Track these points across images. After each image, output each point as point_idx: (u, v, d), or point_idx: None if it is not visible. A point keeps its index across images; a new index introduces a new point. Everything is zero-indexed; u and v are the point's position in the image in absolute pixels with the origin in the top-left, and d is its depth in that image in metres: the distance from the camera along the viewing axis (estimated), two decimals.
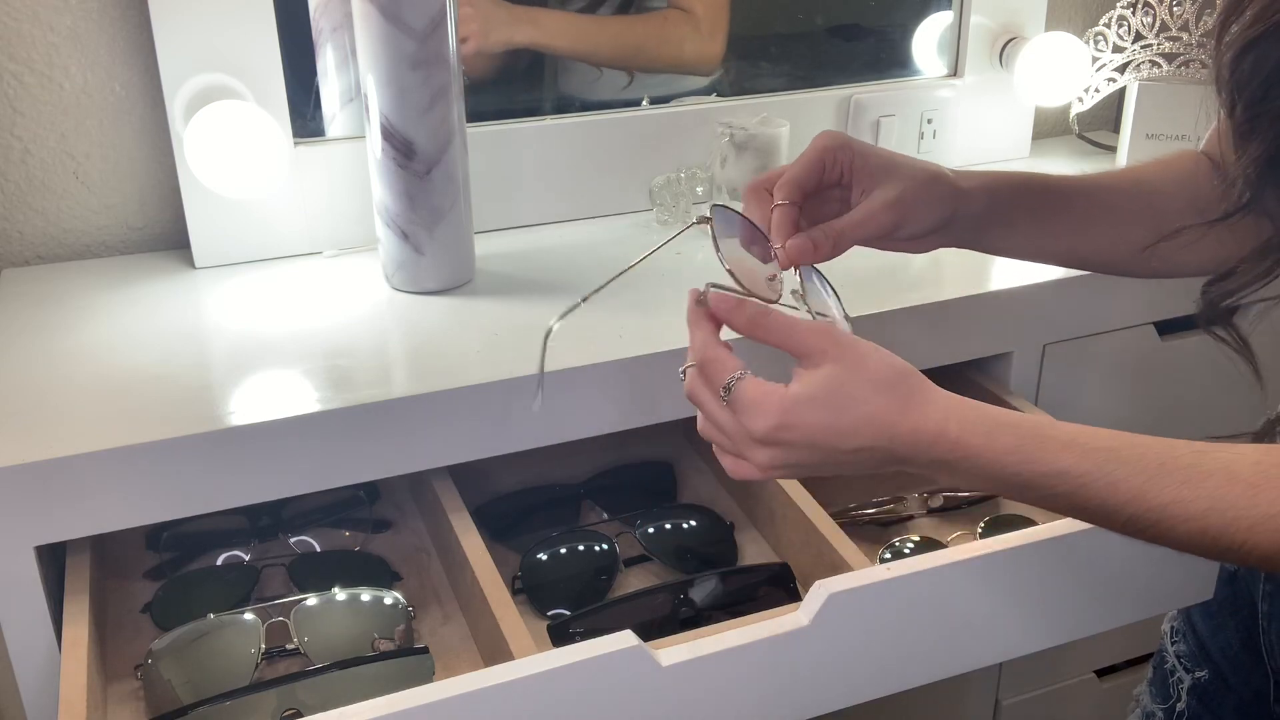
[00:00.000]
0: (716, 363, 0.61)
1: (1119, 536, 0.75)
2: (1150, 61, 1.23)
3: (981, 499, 0.94)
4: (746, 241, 0.69)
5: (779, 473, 0.61)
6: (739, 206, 0.71)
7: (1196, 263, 0.77)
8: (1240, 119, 0.66)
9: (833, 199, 0.73)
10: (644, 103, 1.18)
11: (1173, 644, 0.90)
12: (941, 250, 1.06)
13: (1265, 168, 0.66)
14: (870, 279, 0.98)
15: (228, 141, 0.93)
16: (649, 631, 0.66)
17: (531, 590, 0.84)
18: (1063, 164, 1.32)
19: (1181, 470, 0.54)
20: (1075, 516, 0.59)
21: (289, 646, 0.77)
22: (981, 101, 1.29)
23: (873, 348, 0.61)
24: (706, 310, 0.64)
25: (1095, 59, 1.26)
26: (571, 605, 0.82)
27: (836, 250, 0.69)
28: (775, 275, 0.68)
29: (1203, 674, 0.87)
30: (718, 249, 0.66)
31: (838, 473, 0.61)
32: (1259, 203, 0.68)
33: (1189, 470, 0.54)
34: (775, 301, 0.67)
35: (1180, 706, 0.88)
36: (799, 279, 0.69)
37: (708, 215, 0.67)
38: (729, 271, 0.66)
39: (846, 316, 0.72)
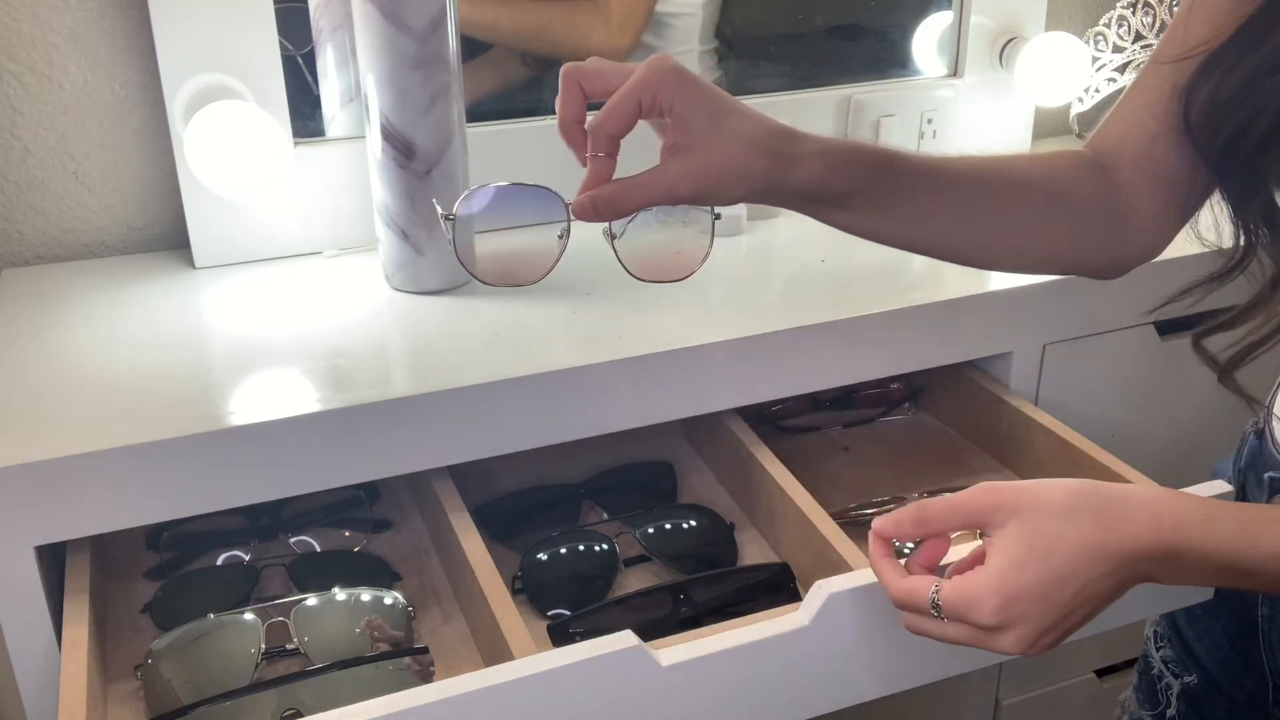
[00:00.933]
0: (912, 593, 0.60)
1: None
2: None
3: None
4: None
5: (1040, 646, 0.58)
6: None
7: (1035, 257, 0.74)
8: (1237, 177, 0.66)
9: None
10: None
11: (1158, 649, 0.89)
12: None
13: (1265, 216, 0.67)
14: (870, 279, 0.98)
15: (228, 141, 0.93)
16: (649, 631, 0.66)
17: (531, 590, 0.84)
18: None
19: None
20: None
21: (289, 646, 0.77)
22: (981, 101, 1.29)
23: (1040, 482, 0.59)
24: (880, 547, 0.63)
25: (1095, 59, 1.26)
26: (571, 605, 0.82)
27: (618, 215, 0.64)
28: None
29: (1191, 679, 0.86)
30: (464, 261, 0.66)
31: (1091, 613, 0.58)
32: (1256, 250, 0.69)
33: None
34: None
35: (1170, 713, 0.88)
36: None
37: (451, 215, 0.65)
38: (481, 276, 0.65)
39: (715, 215, 0.67)
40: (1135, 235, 0.74)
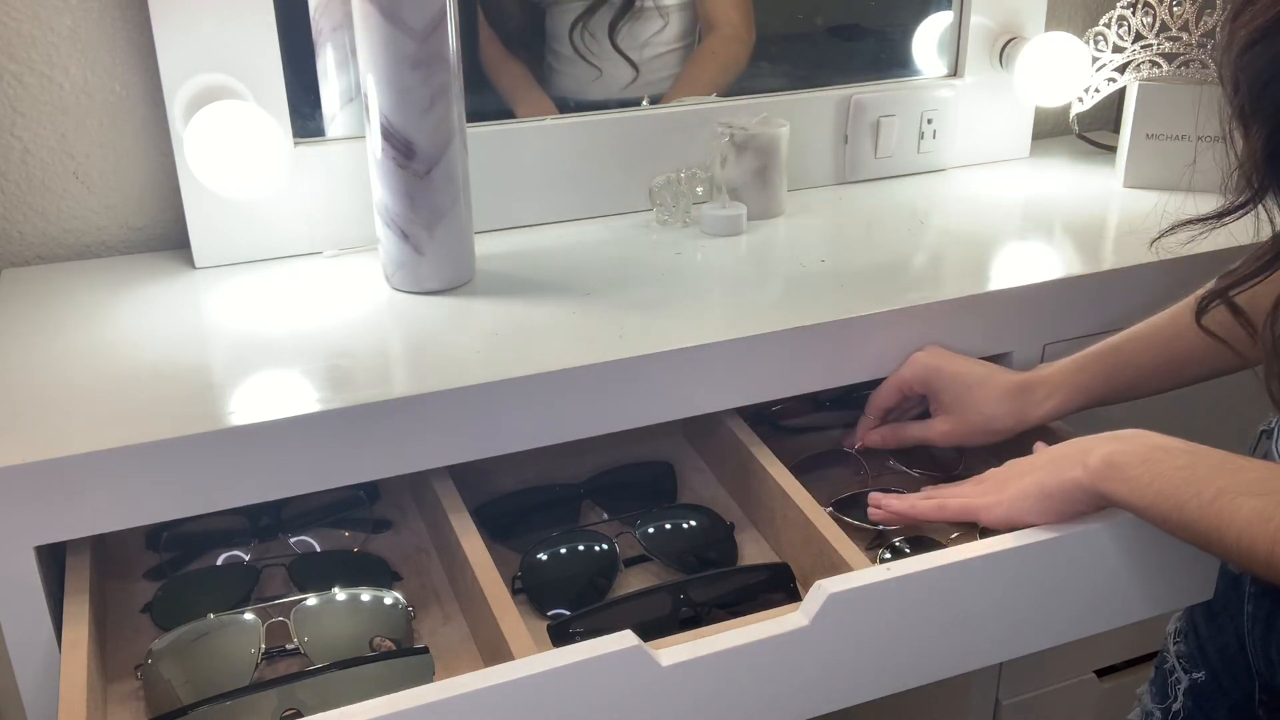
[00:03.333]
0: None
1: (1118, 536, 0.75)
2: (1150, 61, 1.23)
3: None
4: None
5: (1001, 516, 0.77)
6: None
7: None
8: (1240, 111, 0.66)
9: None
10: (644, 103, 1.18)
11: (1174, 645, 0.90)
12: (941, 250, 1.07)
13: (1264, 162, 0.67)
14: (870, 279, 0.98)
15: (228, 141, 0.93)
16: (649, 631, 0.66)
17: (531, 590, 0.84)
18: (1063, 164, 1.32)
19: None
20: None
21: (289, 646, 0.77)
22: (981, 101, 1.29)
23: (1051, 449, 0.77)
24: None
25: (1095, 59, 1.26)
26: (571, 605, 0.82)
27: (897, 445, 0.94)
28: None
29: (1200, 675, 0.87)
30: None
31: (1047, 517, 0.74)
32: (1261, 199, 0.68)
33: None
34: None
35: (1176, 707, 0.89)
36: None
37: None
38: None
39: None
40: None
